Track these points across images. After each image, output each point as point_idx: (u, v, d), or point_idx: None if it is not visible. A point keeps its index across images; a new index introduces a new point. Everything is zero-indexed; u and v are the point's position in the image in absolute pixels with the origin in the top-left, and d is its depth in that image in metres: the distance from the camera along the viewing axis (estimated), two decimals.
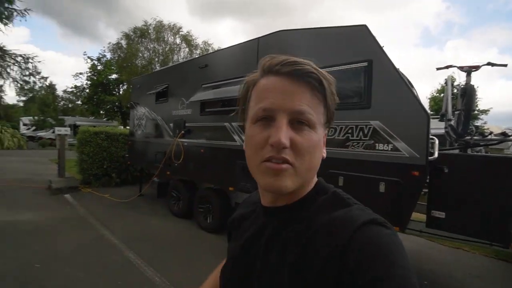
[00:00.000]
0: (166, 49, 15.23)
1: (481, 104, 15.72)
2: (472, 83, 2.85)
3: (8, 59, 11.35)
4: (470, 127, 2.97)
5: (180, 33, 15.68)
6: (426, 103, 17.87)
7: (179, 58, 15.74)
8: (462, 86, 3.08)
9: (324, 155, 0.49)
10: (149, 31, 15.08)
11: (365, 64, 2.38)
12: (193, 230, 4.20)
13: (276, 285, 0.43)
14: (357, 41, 2.46)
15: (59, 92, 30.68)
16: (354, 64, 2.45)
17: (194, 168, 4.14)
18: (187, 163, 4.22)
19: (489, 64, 2.81)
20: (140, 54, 15.12)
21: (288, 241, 0.45)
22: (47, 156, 13.21)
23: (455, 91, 3.41)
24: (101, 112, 23.52)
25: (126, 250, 3.34)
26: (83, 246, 3.42)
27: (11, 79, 11.77)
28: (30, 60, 12.07)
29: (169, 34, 15.70)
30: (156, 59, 15.31)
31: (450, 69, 3.06)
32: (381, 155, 2.31)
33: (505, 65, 2.83)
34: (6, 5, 9.97)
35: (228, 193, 4.01)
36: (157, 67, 15.49)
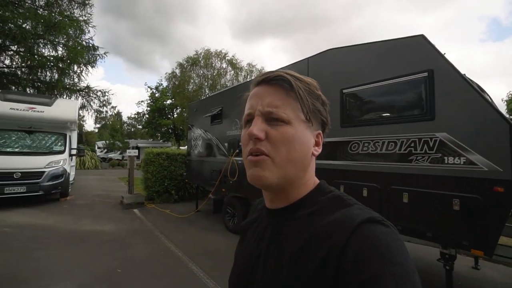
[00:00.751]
0: (214, 73, 16.53)
1: None
2: None
3: (91, 95, 13.69)
4: None
5: (226, 58, 16.92)
6: (502, 106, 15.43)
7: (226, 81, 16.86)
8: None
9: (316, 152, 0.51)
10: (199, 59, 16.63)
11: (425, 74, 2.29)
12: None
13: (274, 285, 0.44)
14: (414, 52, 2.39)
15: (124, 118, 35.50)
16: (412, 75, 2.37)
17: (249, 185, 4.31)
18: (242, 180, 4.43)
19: None
20: (192, 80, 16.66)
21: (286, 241, 0.47)
22: (116, 175, 15.16)
23: None
24: (158, 134, 26.20)
25: (189, 263, 3.59)
26: (153, 256, 3.80)
27: (93, 111, 14.08)
28: (107, 94, 14.30)
29: (216, 60, 17.07)
30: (206, 83, 16.67)
31: None
32: (451, 169, 2.13)
33: None
34: (92, 52, 12.25)
35: None
36: (207, 91, 16.83)
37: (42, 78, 11.94)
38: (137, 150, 7.60)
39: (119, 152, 25.75)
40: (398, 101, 2.58)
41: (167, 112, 25.04)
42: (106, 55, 13.56)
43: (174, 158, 7.50)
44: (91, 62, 12.88)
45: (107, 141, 26.95)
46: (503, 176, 1.83)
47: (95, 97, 14.47)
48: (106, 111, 16.85)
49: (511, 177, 1.80)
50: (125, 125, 34.24)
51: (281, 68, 3.81)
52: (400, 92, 2.52)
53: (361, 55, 2.83)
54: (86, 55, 12.45)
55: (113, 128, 27.53)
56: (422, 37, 2.33)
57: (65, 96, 12.63)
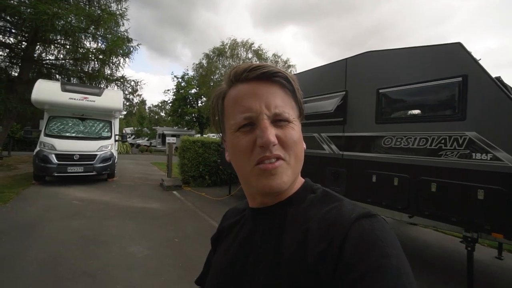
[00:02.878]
0: (240, 63, 16.89)
1: None
2: None
3: (126, 84, 14.65)
4: None
5: (252, 48, 17.17)
6: None
7: None
8: None
9: (304, 146, 0.51)
10: (225, 49, 17.02)
11: (459, 79, 2.55)
12: None
13: (271, 281, 0.43)
14: (451, 58, 2.64)
15: (149, 106, 37.21)
16: (447, 79, 2.63)
17: None
18: None
19: None
20: (218, 71, 17.18)
21: (283, 238, 0.45)
22: (148, 160, 16.29)
23: None
24: (183, 122, 27.23)
25: None
26: (201, 230, 4.42)
27: (125, 100, 15.10)
28: (139, 84, 15.19)
29: (242, 50, 17.37)
30: None
31: None
32: (478, 163, 2.42)
33: None
34: (127, 44, 13.04)
35: None
36: None
37: (85, 69, 13.01)
38: (175, 138, 8.28)
39: (146, 139, 27.23)
40: (431, 102, 2.86)
41: (191, 101, 25.90)
42: (139, 47, 14.35)
43: (208, 146, 8.12)
44: (127, 54, 13.73)
45: (135, 128, 28.49)
46: None
47: (129, 86, 15.46)
48: (132, 99, 17.97)
49: None
50: (149, 112, 35.93)
51: (325, 67, 4.10)
52: (434, 93, 2.79)
53: (399, 58, 3.10)
54: (123, 46, 13.27)
55: (141, 116, 29.01)
56: (459, 45, 2.58)
57: (103, 85, 13.67)
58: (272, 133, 0.44)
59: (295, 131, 0.46)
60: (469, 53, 2.53)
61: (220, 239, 0.60)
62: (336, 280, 0.36)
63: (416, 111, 3.09)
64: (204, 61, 17.77)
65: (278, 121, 0.45)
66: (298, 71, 18.44)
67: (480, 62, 2.55)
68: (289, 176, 0.46)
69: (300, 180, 0.53)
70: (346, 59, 3.70)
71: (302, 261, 0.40)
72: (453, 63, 2.62)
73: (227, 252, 0.54)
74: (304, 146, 0.51)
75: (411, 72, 2.94)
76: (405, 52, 3.04)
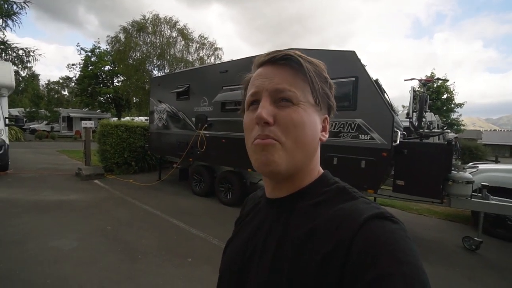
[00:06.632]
0: (163, 42, 15.64)
1: (457, 98, 16.75)
2: (425, 92, 4.01)
3: (10, 52, 11.59)
4: (426, 123, 4.11)
5: (177, 26, 16.07)
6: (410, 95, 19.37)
7: (176, 51, 16.20)
8: (419, 94, 4.22)
9: (324, 138, 0.49)
10: (147, 24, 15.42)
11: (353, 79, 3.39)
12: (215, 204, 5.20)
13: (270, 277, 0.42)
14: (348, 62, 3.45)
15: (45, 82, 30.38)
16: (346, 78, 3.45)
17: (216, 155, 5.09)
18: (209, 151, 5.16)
19: (438, 79, 3.96)
20: (138, 48, 15.48)
21: (287, 234, 0.44)
22: (52, 148, 13.69)
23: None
24: (95, 103, 23.55)
25: (170, 218, 4.29)
26: (135, 216, 4.35)
27: None
28: (32, 54, 12.30)
29: (165, 28, 16.06)
30: (154, 52, 15.71)
31: (414, 80, 4.20)
32: (362, 142, 3.37)
33: (447, 80, 4.02)
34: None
35: (245, 174, 5.03)
36: (155, 60, 15.94)
37: None
38: (93, 122, 7.33)
39: (45, 123, 22.42)
40: (335, 95, 3.67)
41: (105, 79, 22.54)
42: (27, 5, 11.43)
43: (133, 130, 7.57)
44: (9, 14, 10.75)
45: (27, 109, 22.95)
46: (387, 146, 3.13)
47: (14, 56, 12.30)
48: (19, 73, 14.49)
49: (390, 147, 3.10)
50: (46, 91, 29.37)
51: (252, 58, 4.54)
52: (337, 89, 3.60)
53: (314, 57, 3.78)
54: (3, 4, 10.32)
55: (36, 95, 23.42)
56: (353, 52, 3.40)
57: None
58: (267, 111, 0.43)
59: (298, 114, 0.44)
60: (359, 60, 3.39)
61: (240, 223, 0.61)
62: (343, 285, 0.35)
63: None
64: (121, 35, 15.59)
65: (281, 100, 0.44)
66: (225, 55, 18.25)
67: (366, 67, 3.45)
68: (282, 158, 0.43)
69: (318, 172, 0.51)
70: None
71: (304, 262, 0.39)
72: (349, 66, 3.44)
73: (241, 238, 0.55)
74: (324, 138, 0.50)
75: None
76: (319, 53, 3.74)
